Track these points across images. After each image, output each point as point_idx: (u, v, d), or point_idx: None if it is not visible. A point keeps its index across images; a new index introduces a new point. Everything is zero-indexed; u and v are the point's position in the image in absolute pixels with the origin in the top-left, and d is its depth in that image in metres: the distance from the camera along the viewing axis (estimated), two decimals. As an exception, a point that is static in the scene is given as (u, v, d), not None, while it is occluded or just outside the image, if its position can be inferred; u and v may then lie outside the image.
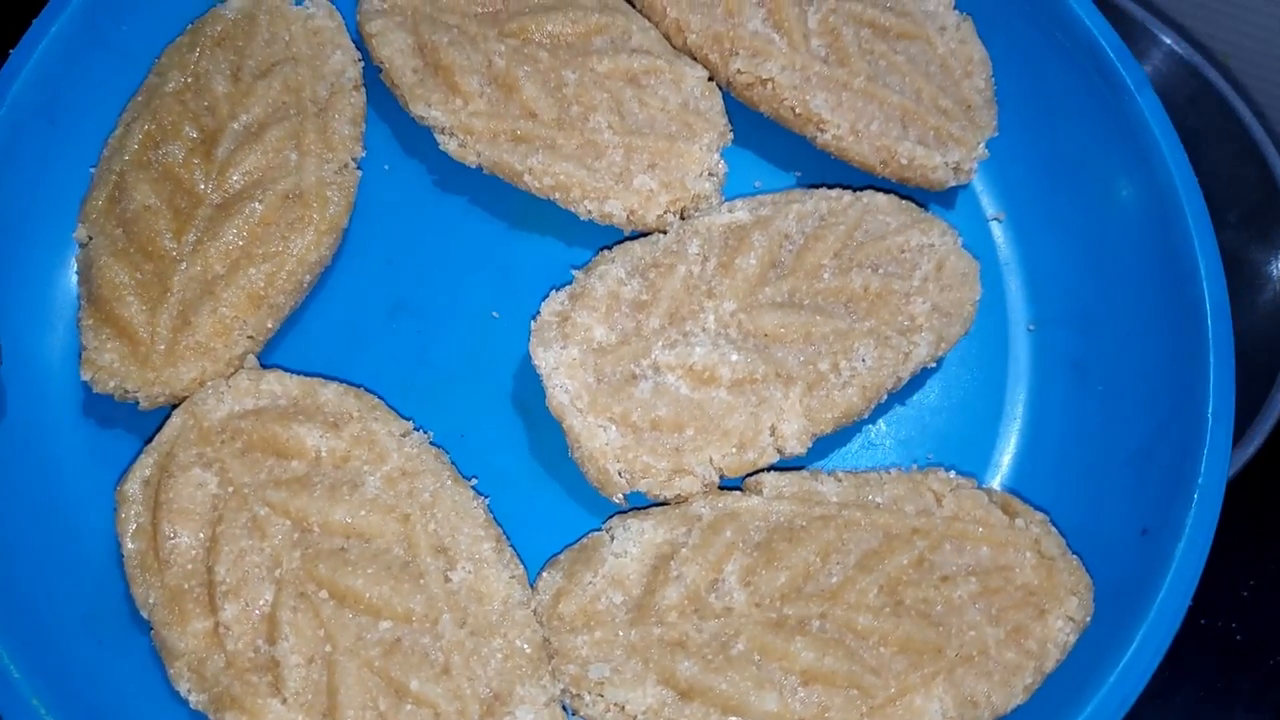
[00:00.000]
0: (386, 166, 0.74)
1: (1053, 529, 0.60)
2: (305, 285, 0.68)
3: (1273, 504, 0.95)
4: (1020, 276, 0.72)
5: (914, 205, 0.70)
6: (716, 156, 0.70)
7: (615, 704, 0.55)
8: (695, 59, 0.74)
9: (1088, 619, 0.57)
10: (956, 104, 0.72)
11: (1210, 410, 0.61)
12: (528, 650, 0.57)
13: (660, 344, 0.63)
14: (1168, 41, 0.98)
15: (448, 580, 0.58)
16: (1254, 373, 0.84)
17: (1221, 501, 0.59)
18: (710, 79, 0.73)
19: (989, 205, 0.74)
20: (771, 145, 0.75)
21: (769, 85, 0.72)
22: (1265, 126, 0.93)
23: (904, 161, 0.70)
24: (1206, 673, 0.91)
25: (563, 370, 0.63)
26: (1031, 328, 0.71)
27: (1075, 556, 0.59)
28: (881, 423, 0.67)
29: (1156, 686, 0.93)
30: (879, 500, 0.60)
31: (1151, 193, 0.68)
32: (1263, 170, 0.91)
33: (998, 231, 0.74)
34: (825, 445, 0.66)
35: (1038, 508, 0.61)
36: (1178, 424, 0.62)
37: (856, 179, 0.72)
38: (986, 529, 0.59)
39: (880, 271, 0.66)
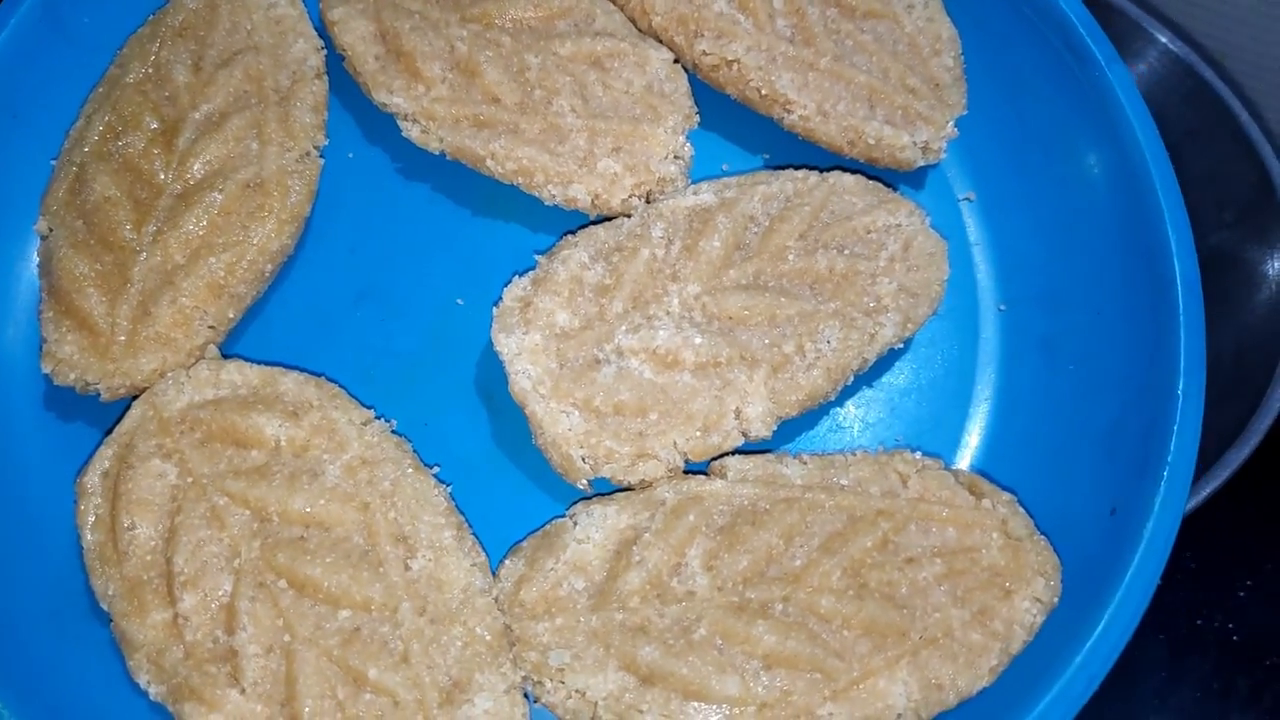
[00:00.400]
0: (350, 154, 0.73)
1: (1020, 509, 0.59)
2: (267, 274, 0.67)
3: (1270, 504, 0.95)
4: (991, 256, 0.71)
5: (881, 185, 0.69)
6: (682, 139, 0.69)
7: (576, 690, 0.55)
8: (660, 41, 0.73)
9: (1055, 600, 0.56)
10: (924, 82, 0.71)
11: (1180, 388, 0.60)
12: (488, 638, 0.56)
13: (623, 328, 0.62)
14: (1163, 40, 0.97)
15: (407, 569, 0.58)
16: (1250, 372, 0.83)
17: (1191, 480, 0.58)
18: (675, 61, 0.72)
19: (959, 185, 0.74)
20: (739, 128, 0.74)
21: (734, 66, 0.71)
22: (1261, 125, 0.92)
23: (871, 141, 0.70)
24: (1204, 673, 0.91)
25: (525, 356, 0.62)
26: (1002, 307, 0.70)
27: (1043, 537, 0.58)
28: (850, 405, 0.67)
29: (1154, 687, 0.93)
30: (844, 482, 0.60)
31: (1122, 169, 0.68)
32: (1258, 169, 0.90)
33: (968, 211, 0.73)
34: (792, 429, 0.65)
35: (1006, 488, 0.60)
36: (1148, 402, 0.61)
37: (825, 160, 0.71)
38: (952, 510, 0.58)
39: (846, 252, 0.65)
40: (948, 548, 0.57)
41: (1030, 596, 0.56)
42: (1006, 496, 0.59)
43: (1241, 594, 0.94)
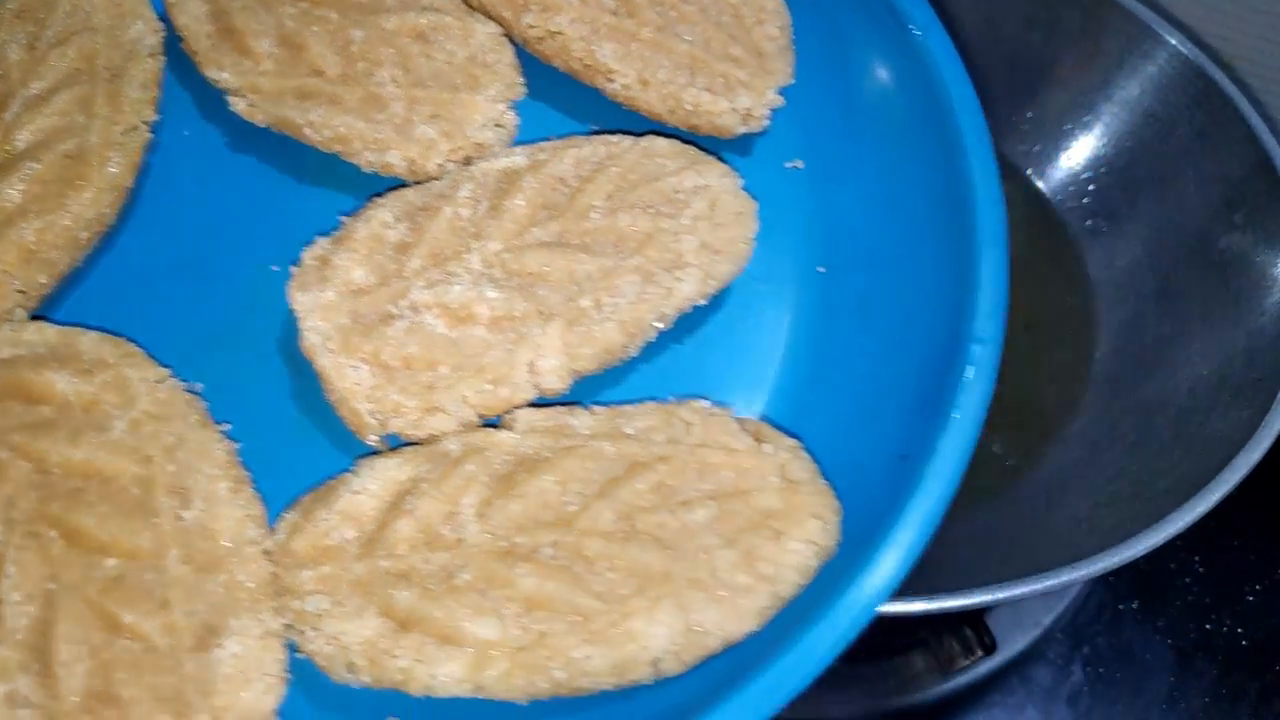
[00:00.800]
0: (186, 132, 0.74)
1: (804, 455, 0.58)
2: (83, 242, 0.68)
3: (1279, 506, 0.95)
4: (815, 221, 0.71)
5: (694, 148, 0.69)
6: (503, 107, 0.70)
7: (333, 637, 0.53)
8: (490, 17, 0.74)
9: (831, 543, 0.55)
10: (748, 51, 0.72)
11: (974, 337, 0.59)
12: (250, 585, 0.55)
13: (420, 284, 0.62)
14: (1173, 42, 0.98)
15: (180, 519, 0.57)
16: (1260, 375, 0.83)
17: (980, 424, 0.57)
18: (504, 35, 0.73)
19: (788, 153, 0.73)
20: (569, 100, 0.74)
21: (558, 38, 0.72)
22: (1271, 128, 0.92)
23: (689, 107, 0.70)
24: (1213, 678, 0.91)
25: (317, 312, 0.62)
26: (821, 269, 0.69)
27: (825, 482, 0.57)
28: (656, 362, 0.66)
29: (1163, 692, 0.93)
30: (630, 431, 0.58)
31: (939, 134, 0.67)
32: (1269, 172, 0.90)
33: (796, 178, 0.73)
34: (596, 385, 0.64)
35: (795, 435, 0.59)
36: (947, 353, 0.60)
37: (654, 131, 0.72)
38: (729, 453, 0.57)
39: (651, 211, 0.65)
40: (722, 491, 0.56)
41: (802, 539, 0.54)
42: (790, 442, 0.58)
43: (1250, 598, 0.94)
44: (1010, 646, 0.97)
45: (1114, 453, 0.93)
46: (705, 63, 0.71)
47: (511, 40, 0.74)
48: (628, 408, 0.60)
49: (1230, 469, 0.76)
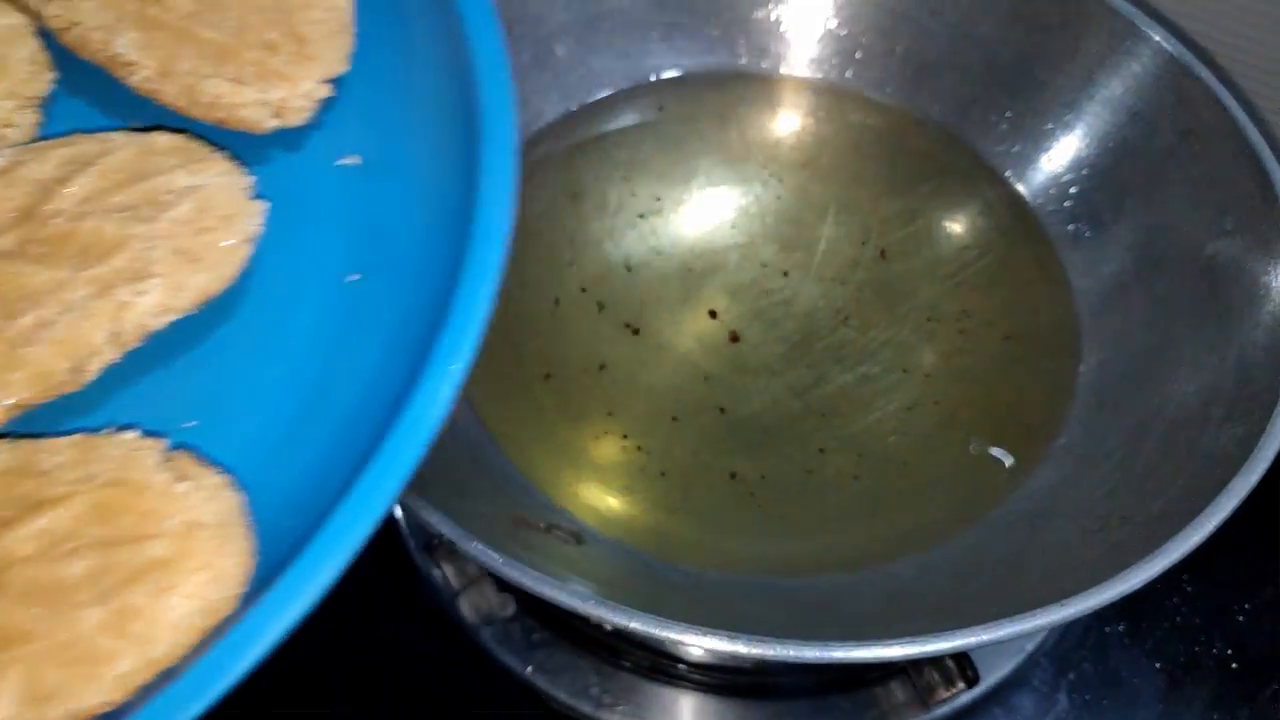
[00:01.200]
0: None
1: (227, 493, 0.51)
2: None
3: (1268, 526, 0.93)
4: (359, 224, 0.64)
5: (201, 145, 0.62)
6: (12, 105, 0.63)
7: None
8: (14, 7, 0.67)
9: (226, 595, 0.48)
10: (286, 37, 0.65)
11: (443, 353, 0.53)
12: None
13: None
14: (1157, 39, 0.93)
15: None
16: (1255, 392, 0.78)
17: (423, 449, 0.50)
18: (31, 27, 0.66)
19: (344, 148, 0.67)
20: (116, 96, 0.68)
21: (78, 29, 0.65)
22: (1261, 129, 0.87)
23: (208, 100, 0.63)
24: (1203, 701, 0.90)
25: None
26: (354, 278, 0.62)
27: (242, 526, 0.50)
28: (140, 386, 0.59)
29: (1152, 716, 0.90)
30: (47, 466, 0.52)
31: (467, 124, 0.61)
32: (1259, 174, 0.85)
33: (347, 177, 0.66)
34: (58, 414, 0.57)
35: (227, 468, 0.52)
36: (414, 373, 0.53)
37: (204, 127, 0.65)
38: (139, 494, 0.50)
39: (125, 215, 0.58)
40: (118, 538, 0.49)
41: (186, 593, 0.47)
42: (216, 479, 0.51)
43: (1241, 618, 0.92)
44: (993, 673, 0.93)
45: (1102, 472, 0.88)
46: (235, 51, 0.64)
47: (48, 33, 0.67)
48: (55, 440, 0.54)
49: (1226, 494, 0.71)
